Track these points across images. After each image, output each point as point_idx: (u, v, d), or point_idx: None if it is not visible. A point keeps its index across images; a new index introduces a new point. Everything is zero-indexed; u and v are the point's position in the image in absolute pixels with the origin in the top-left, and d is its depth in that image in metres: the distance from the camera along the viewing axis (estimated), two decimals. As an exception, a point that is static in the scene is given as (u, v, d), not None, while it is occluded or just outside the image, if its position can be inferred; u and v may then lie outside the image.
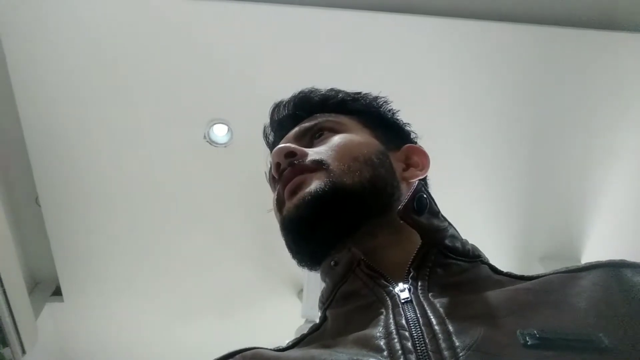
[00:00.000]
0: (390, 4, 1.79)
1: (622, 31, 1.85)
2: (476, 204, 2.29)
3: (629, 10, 1.84)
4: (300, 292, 2.45)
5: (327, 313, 0.57)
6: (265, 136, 0.80)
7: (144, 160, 2.05)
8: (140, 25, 1.72)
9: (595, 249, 2.47)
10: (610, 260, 0.49)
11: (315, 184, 0.58)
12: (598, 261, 0.50)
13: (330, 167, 0.60)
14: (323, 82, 1.99)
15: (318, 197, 0.57)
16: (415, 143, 0.75)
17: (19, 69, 1.77)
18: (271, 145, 0.79)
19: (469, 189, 2.23)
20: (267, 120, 0.79)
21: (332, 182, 0.58)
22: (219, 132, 2.00)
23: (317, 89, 0.76)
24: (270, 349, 0.54)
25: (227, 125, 1.97)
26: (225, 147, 2.02)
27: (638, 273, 0.46)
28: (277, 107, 0.77)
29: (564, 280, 0.48)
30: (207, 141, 2.00)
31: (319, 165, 0.61)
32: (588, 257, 2.49)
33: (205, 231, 2.29)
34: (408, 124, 0.76)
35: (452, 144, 2.08)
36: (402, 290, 0.49)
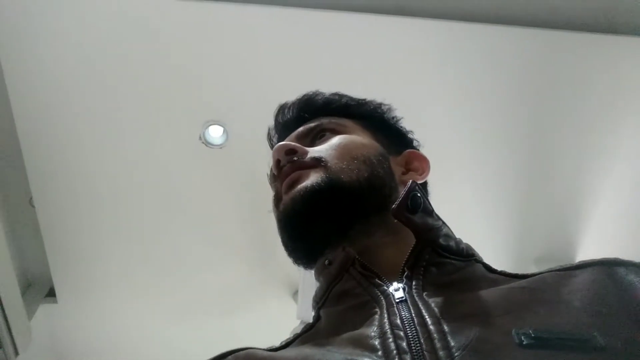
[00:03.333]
0: (387, 7, 1.79)
1: (621, 35, 1.86)
2: (471, 205, 2.29)
3: (628, 14, 1.85)
4: (295, 294, 2.45)
5: (321, 312, 0.57)
6: (269, 138, 0.81)
7: (139, 160, 2.04)
8: (134, 26, 1.72)
9: (590, 250, 2.48)
10: (604, 258, 0.49)
11: (311, 179, 0.59)
12: (592, 259, 0.50)
13: (329, 165, 0.60)
14: (319, 83, 1.98)
15: (314, 192, 0.57)
16: (417, 150, 0.76)
17: (13, 70, 1.76)
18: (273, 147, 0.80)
19: (464, 190, 2.23)
20: (271, 123, 0.80)
21: (329, 177, 0.58)
22: (215, 133, 1.99)
23: (321, 92, 0.77)
24: (263, 349, 0.54)
25: (223, 127, 1.97)
26: (221, 148, 2.01)
27: (631, 271, 0.46)
28: (281, 109, 0.78)
29: (558, 279, 0.48)
30: (203, 142, 1.99)
31: (317, 162, 0.61)
32: (582, 258, 2.49)
33: (200, 232, 2.29)
34: (411, 131, 0.77)
35: (448, 145, 2.08)
36: (396, 290, 0.49)
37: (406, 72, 1.90)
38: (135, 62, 1.80)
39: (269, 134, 0.81)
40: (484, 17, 1.83)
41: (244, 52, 1.81)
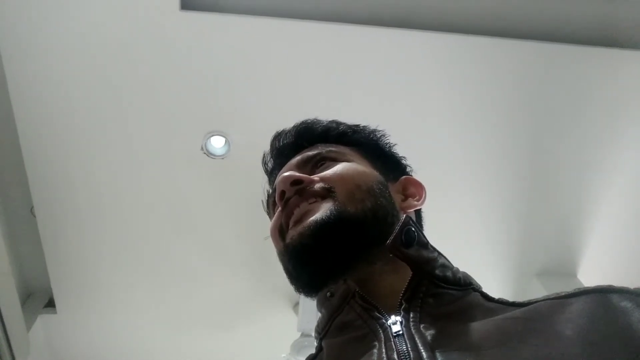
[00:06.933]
0: (389, 19, 1.80)
1: (622, 48, 1.87)
2: (473, 220, 2.29)
3: (628, 28, 1.86)
4: (296, 306, 2.44)
5: (323, 343, 0.58)
6: (264, 163, 0.81)
7: (141, 170, 2.05)
8: (138, 37, 1.73)
9: (592, 264, 2.47)
10: (598, 286, 0.49)
11: (321, 212, 0.59)
12: (586, 287, 0.50)
13: (337, 195, 0.61)
14: (320, 95, 1.99)
15: (324, 226, 0.58)
16: (412, 176, 0.76)
17: (16, 81, 1.77)
18: (269, 172, 0.80)
19: (466, 205, 2.23)
20: (267, 148, 0.80)
21: (338, 210, 0.59)
22: (217, 143, 2.00)
23: (319, 120, 0.78)
24: None
25: (225, 137, 1.97)
26: (222, 158, 2.02)
27: (625, 298, 0.46)
28: (278, 135, 0.78)
29: (552, 308, 0.48)
30: (205, 153, 2.00)
31: (327, 192, 0.62)
32: (584, 272, 2.49)
33: (201, 243, 2.28)
34: (404, 157, 0.78)
35: (449, 159, 2.08)
36: (394, 323, 0.50)
37: (408, 84, 1.91)
38: (138, 73, 1.81)
39: (264, 159, 0.81)
40: (485, 30, 1.84)
41: (247, 63, 1.82)
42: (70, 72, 1.78)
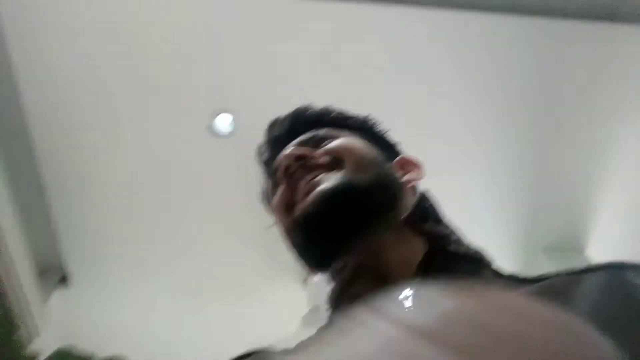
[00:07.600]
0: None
1: (625, 23, 1.84)
2: (480, 195, 2.28)
3: (631, 3, 1.82)
4: (305, 280, 2.47)
5: (334, 317, 0.59)
6: (260, 154, 0.80)
7: (150, 147, 2.06)
8: (145, 14, 1.72)
9: (599, 239, 2.47)
10: (611, 262, 0.49)
11: (331, 182, 0.60)
12: (600, 263, 0.50)
13: (345, 164, 0.62)
14: (326, 72, 1.97)
15: (336, 193, 0.58)
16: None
17: (20, 47, 1.77)
18: (265, 163, 0.79)
19: (472, 180, 2.23)
20: (264, 137, 0.79)
21: (348, 178, 0.60)
22: (223, 121, 2.00)
23: (312, 107, 0.77)
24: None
25: (232, 115, 1.98)
26: (229, 137, 2.02)
27: (639, 274, 0.46)
28: (273, 124, 0.78)
29: (566, 284, 0.48)
30: (211, 131, 2.00)
31: (334, 162, 0.63)
32: (592, 248, 2.49)
33: (211, 219, 2.31)
34: (398, 142, 0.78)
35: (455, 133, 2.07)
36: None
37: (414, 63, 1.89)
38: (145, 50, 1.81)
39: (259, 150, 0.80)
40: (486, 6, 1.81)
41: (254, 41, 1.81)
42: (77, 48, 1.78)
